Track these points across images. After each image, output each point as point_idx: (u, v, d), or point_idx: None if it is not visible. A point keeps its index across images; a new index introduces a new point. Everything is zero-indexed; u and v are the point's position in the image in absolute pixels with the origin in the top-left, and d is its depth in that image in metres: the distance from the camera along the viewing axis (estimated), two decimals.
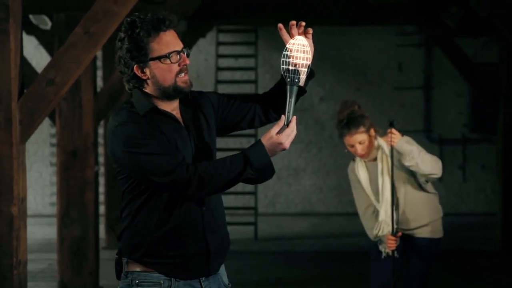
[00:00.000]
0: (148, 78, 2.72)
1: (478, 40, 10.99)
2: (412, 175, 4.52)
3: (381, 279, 4.52)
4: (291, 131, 2.65)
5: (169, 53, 2.69)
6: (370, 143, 4.46)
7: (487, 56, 11.18)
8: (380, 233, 4.48)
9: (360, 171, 4.54)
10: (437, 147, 11.73)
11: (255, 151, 2.63)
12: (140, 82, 2.74)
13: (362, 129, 4.41)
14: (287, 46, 2.66)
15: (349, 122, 4.40)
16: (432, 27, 9.29)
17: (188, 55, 2.75)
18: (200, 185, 2.62)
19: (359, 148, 4.44)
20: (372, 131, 4.47)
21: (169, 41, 2.70)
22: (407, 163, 4.40)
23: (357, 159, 4.57)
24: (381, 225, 4.48)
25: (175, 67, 2.71)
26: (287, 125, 2.65)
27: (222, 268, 2.92)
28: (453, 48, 9.26)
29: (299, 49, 2.66)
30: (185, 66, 2.72)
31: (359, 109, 4.46)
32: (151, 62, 2.70)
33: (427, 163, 4.38)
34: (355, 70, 12.03)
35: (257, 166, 2.62)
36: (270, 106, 2.91)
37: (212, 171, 2.63)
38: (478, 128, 11.93)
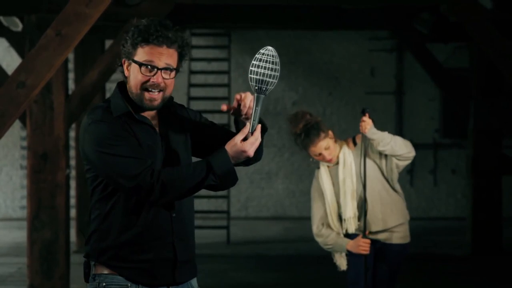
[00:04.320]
0: (127, 76, 2.77)
1: (449, 45, 11.09)
2: (381, 172, 4.52)
3: (357, 266, 4.51)
4: (255, 140, 2.65)
5: (142, 63, 2.71)
6: (333, 144, 4.46)
7: (458, 62, 11.29)
8: (349, 231, 4.47)
9: (323, 177, 4.51)
10: None
11: (218, 158, 2.64)
12: (124, 77, 2.80)
13: (322, 135, 4.39)
14: (256, 55, 2.68)
15: (309, 133, 4.36)
16: (404, 33, 9.36)
17: (169, 77, 2.72)
18: (163, 191, 2.63)
19: (327, 154, 4.43)
20: (330, 133, 4.46)
21: (152, 53, 2.71)
22: (381, 148, 4.38)
23: (321, 166, 4.55)
24: (348, 222, 4.47)
25: (142, 78, 2.72)
26: (251, 133, 2.65)
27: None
28: (425, 54, 9.35)
29: (269, 59, 2.66)
30: (153, 84, 2.71)
31: (312, 116, 4.43)
32: (133, 64, 2.74)
33: (401, 144, 4.40)
34: (327, 75, 12.08)
35: (219, 173, 2.63)
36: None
37: (175, 177, 2.64)
38: (449, 133, 12.04)
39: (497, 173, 8.80)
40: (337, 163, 4.50)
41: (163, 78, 2.72)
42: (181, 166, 2.70)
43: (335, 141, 4.49)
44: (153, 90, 2.72)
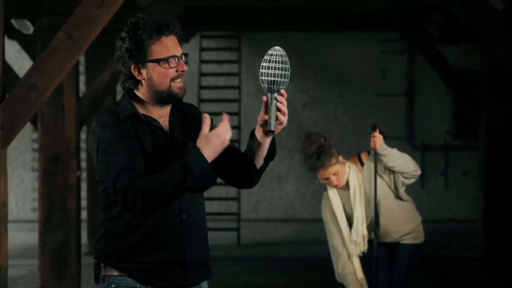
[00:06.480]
0: (144, 79, 2.74)
1: (460, 47, 11.06)
2: (389, 186, 4.52)
3: (366, 269, 4.52)
4: (225, 127, 2.65)
5: (168, 57, 2.72)
6: (342, 170, 4.42)
7: (469, 63, 11.25)
8: (360, 251, 4.48)
9: (333, 199, 4.48)
10: (420, 153, 11.77)
11: (193, 158, 2.61)
12: (135, 83, 2.76)
13: (333, 160, 4.34)
14: (265, 57, 2.69)
15: (320, 157, 4.30)
16: (415, 34, 9.34)
17: (186, 62, 2.77)
18: (144, 202, 2.60)
19: (334, 179, 4.38)
20: (341, 158, 4.41)
21: (169, 45, 2.73)
22: (390, 164, 4.40)
23: (329, 189, 4.51)
24: (358, 245, 4.46)
25: (172, 72, 2.73)
26: (270, 131, 2.78)
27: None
28: (436, 55, 9.32)
29: (277, 59, 2.68)
30: (182, 72, 2.75)
31: (325, 140, 4.38)
32: (149, 64, 2.73)
33: (409, 162, 4.44)
34: (338, 77, 12.06)
35: (198, 174, 2.59)
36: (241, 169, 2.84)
37: (153, 186, 2.60)
38: (460, 134, 11.99)
39: (508, 175, 8.76)
40: (346, 184, 4.47)
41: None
42: (158, 172, 2.64)
43: (343, 164, 4.45)
44: (178, 79, 2.74)
